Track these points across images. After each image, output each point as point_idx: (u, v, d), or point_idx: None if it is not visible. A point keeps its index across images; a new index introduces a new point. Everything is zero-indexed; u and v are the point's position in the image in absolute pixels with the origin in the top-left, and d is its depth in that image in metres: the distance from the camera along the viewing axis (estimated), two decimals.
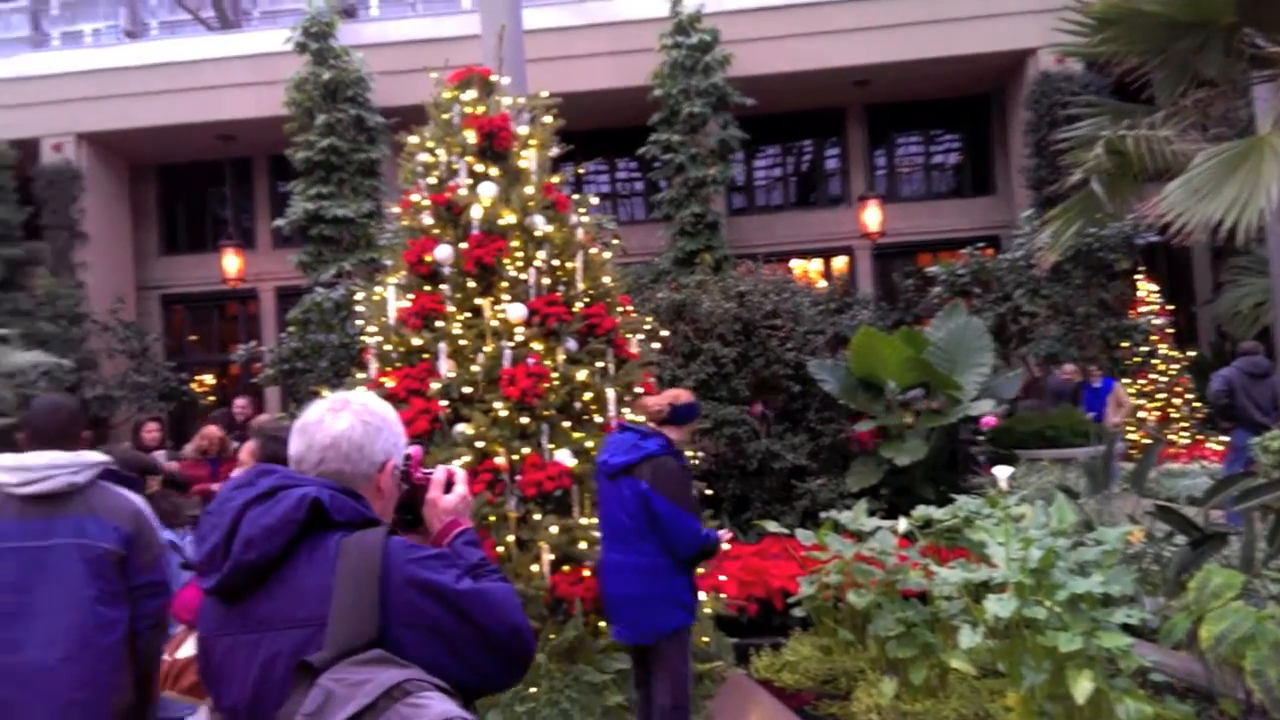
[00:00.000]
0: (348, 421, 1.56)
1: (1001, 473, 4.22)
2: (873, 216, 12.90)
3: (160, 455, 6.35)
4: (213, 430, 7.03)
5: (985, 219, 13.97)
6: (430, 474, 1.68)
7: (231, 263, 13.55)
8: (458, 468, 1.73)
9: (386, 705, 1.20)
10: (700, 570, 4.91)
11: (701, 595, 4.68)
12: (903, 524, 5.01)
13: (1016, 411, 8.53)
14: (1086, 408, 8.93)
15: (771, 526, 5.61)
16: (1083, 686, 3.38)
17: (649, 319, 5.76)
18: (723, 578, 5.24)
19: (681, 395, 3.92)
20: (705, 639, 4.72)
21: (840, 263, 14.77)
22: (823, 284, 12.78)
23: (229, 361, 14.62)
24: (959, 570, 4.15)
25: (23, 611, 2.62)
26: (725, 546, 4.12)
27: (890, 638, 4.45)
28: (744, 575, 5.71)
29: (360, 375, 5.07)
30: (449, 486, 1.67)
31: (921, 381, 7.73)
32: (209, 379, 15.59)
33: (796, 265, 14.14)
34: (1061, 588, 3.61)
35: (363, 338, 5.23)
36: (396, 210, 5.42)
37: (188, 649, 2.75)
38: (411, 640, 1.36)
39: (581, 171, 6.39)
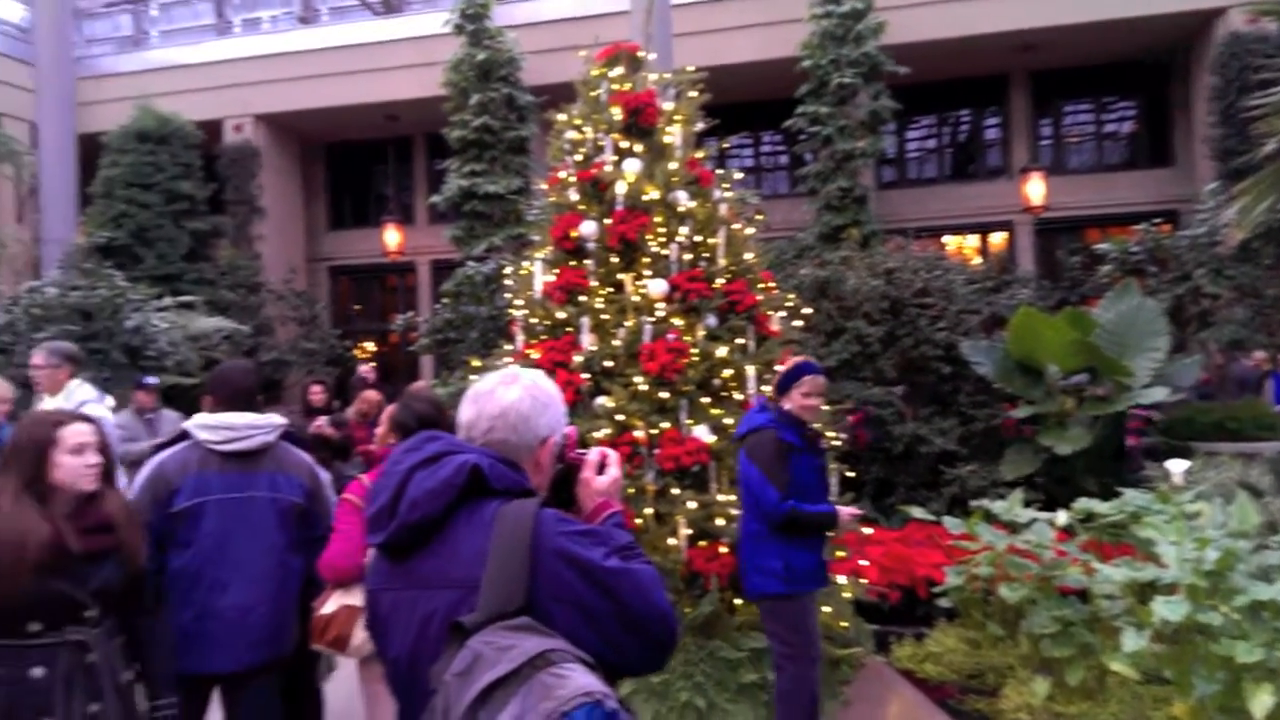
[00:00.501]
0: (517, 394, 1.61)
1: (1176, 467, 3.91)
2: (1036, 189, 12.16)
3: (324, 419, 6.75)
4: (372, 394, 7.43)
5: (1162, 192, 12.92)
6: (585, 454, 1.70)
7: (392, 237, 14.25)
8: (611, 450, 1.74)
9: (530, 673, 1.22)
10: (841, 554, 4.83)
11: (841, 579, 4.59)
12: (1062, 517, 4.73)
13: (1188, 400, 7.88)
14: (1275, 399, 8.15)
15: (917, 512, 5.42)
16: (1262, 701, 3.10)
17: (791, 296, 5.65)
18: (864, 562, 5.11)
19: (787, 361, 3.85)
20: (844, 624, 4.62)
21: (998, 238, 14.04)
22: (978, 261, 12.19)
23: (388, 330, 15.43)
24: (1124, 568, 3.88)
25: (226, 558, 2.85)
26: (866, 530, 3.99)
27: (1045, 635, 4.23)
28: (886, 561, 5.55)
29: (507, 347, 5.22)
30: (602, 468, 1.68)
31: (1087, 366, 7.24)
32: (370, 346, 16.53)
33: (950, 241, 13.55)
34: (1241, 593, 3.32)
35: (510, 310, 5.37)
36: (544, 187, 5.52)
37: (332, 605, 2.97)
38: (558, 612, 1.38)
39: (725, 146, 6.30)
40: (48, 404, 4.71)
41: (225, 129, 14.93)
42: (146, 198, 13.20)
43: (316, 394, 7.59)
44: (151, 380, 6.53)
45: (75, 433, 2.37)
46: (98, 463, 2.39)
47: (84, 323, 8.11)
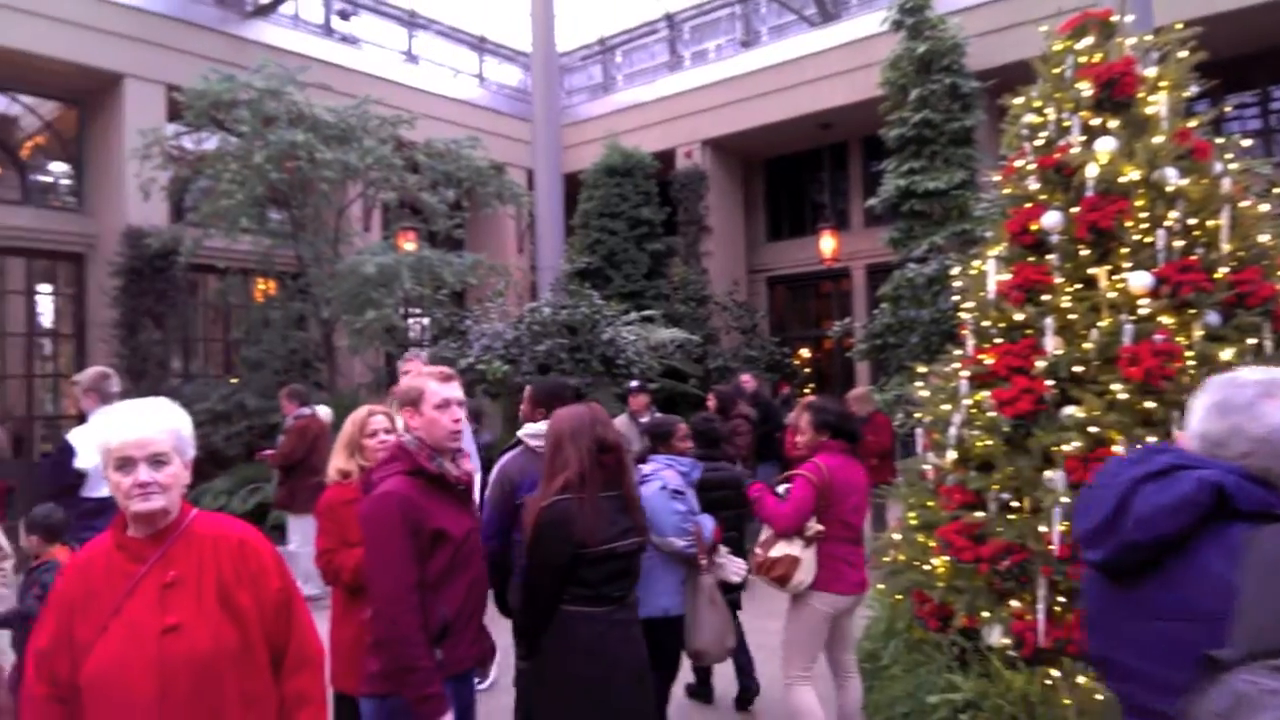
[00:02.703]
0: None
1: None
2: None
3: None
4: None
5: None
6: None
7: (828, 244, 14.43)
8: None
9: None
10: None
11: None
12: None
13: None
14: None
15: None
16: None
17: None
18: None
19: None
20: None
21: None
22: None
23: (823, 336, 15.64)
24: None
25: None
26: None
27: None
28: None
29: (956, 351, 4.93)
30: None
31: None
32: (805, 352, 16.90)
33: None
34: None
35: (958, 313, 5.07)
36: (994, 178, 5.13)
37: (777, 551, 3.83)
38: None
39: (1225, 110, 5.27)
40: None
41: (677, 156, 16.34)
42: (615, 225, 14.98)
43: (749, 382, 7.95)
44: (634, 384, 7.36)
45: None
46: None
47: (570, 336, 9.41)
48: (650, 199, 15.50)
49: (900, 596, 4.38)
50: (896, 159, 12.31)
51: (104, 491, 4.17)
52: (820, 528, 3.83)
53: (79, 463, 4.67)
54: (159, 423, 1.93)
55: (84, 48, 11.52)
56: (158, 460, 1.90)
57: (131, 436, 1.89)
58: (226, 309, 13.91)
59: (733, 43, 16.86)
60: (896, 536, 4.41)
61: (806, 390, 13.71)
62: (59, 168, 13.04)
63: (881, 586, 4.50)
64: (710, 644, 3.86)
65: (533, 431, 3.56)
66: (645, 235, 15.27)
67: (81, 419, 5.27)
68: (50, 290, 13.08)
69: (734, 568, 4.04)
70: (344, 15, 15.30)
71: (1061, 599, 3.66)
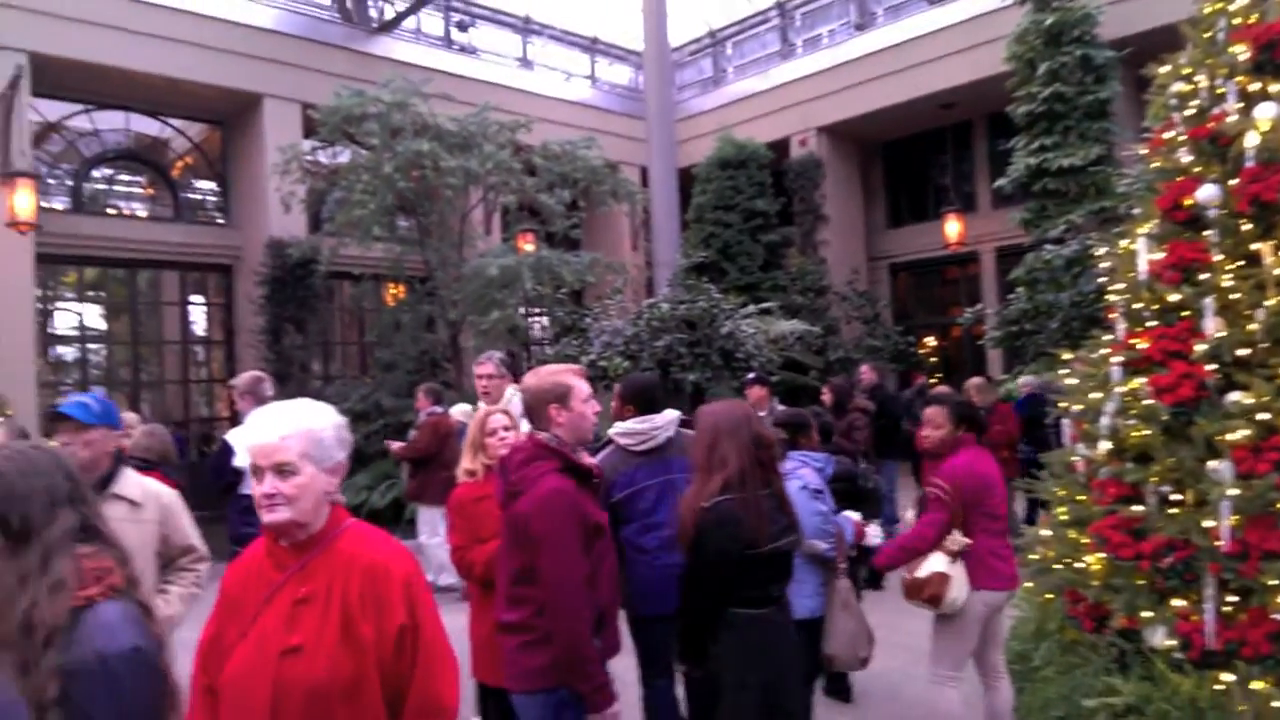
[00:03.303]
0: None
1: None
2: None
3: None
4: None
5: None
6: None
7: (953, 228, 13.93)
8: None
9: None
10: None
11: None
12: None
13: None
14: None
15: None
16: None
17: None
18: None
19: None
20: None
21: None
22: None
23: (951, 324, 15.13)
24: None
25: (657, 521, 3.54)
26: None
27: None
28: None
29: (1105, 336, 4.67)
30: None
31: None
32: (931, 341, 16.37)
33: None
34: None
35: (1105, 296, 4.81)
36: (1139, 152, 4.83)
37: (925, 570, 3.68)
38: None
39: None
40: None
41: (791, 145, 16.10)
42: (729, 218, 14.90)
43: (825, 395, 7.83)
44: (751, 375, 7.32)
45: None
46: None
47: (689, 331, 9.42)
48: (764, 190, 15.36)
49: (1050, 595, 4.19)
50: (1026, 136, 11.74)
51: None
52: (966, 540, 3.69)
53: (236, 461, 5.00)
54: (283, 429, 1.84)
55: (226, 72, 12.27)
56: (283, 470, 1.82)
57: (257, 445, 1.85)
58: (360, 313, 14.59)
59: (846, 26, 16.48)
60: (1045, 533, 4.22)
61: (934, 380, 13.27)
62: (206, 185, 13.96)
63: (1030, 585, 4.32)
64: (842, 649, 3.78)
65: (624, 430, 3.59)
66: (760, 227, 15.14)
67: (235, 420, 5.62)
68: (201, 300, 14.05)
69: (873, 532, 4.20)
70: (462, 27, 15.77)
71: (1233, 598, 3.42)
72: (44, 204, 10.62)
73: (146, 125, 13.16)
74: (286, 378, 11.94)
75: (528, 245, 12.53)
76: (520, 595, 2.56)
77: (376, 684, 1.77)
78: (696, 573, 2.66)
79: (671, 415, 3.73)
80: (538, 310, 14.07)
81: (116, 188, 13.34)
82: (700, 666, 2.71)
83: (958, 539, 3.69)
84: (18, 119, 10.37)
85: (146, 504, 2.95)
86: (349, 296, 14.26)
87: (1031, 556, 4.24)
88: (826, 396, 7.84)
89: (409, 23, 14.82)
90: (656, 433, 3.61)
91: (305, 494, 1.82)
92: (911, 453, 7.30)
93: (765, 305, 11.93)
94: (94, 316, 13.40)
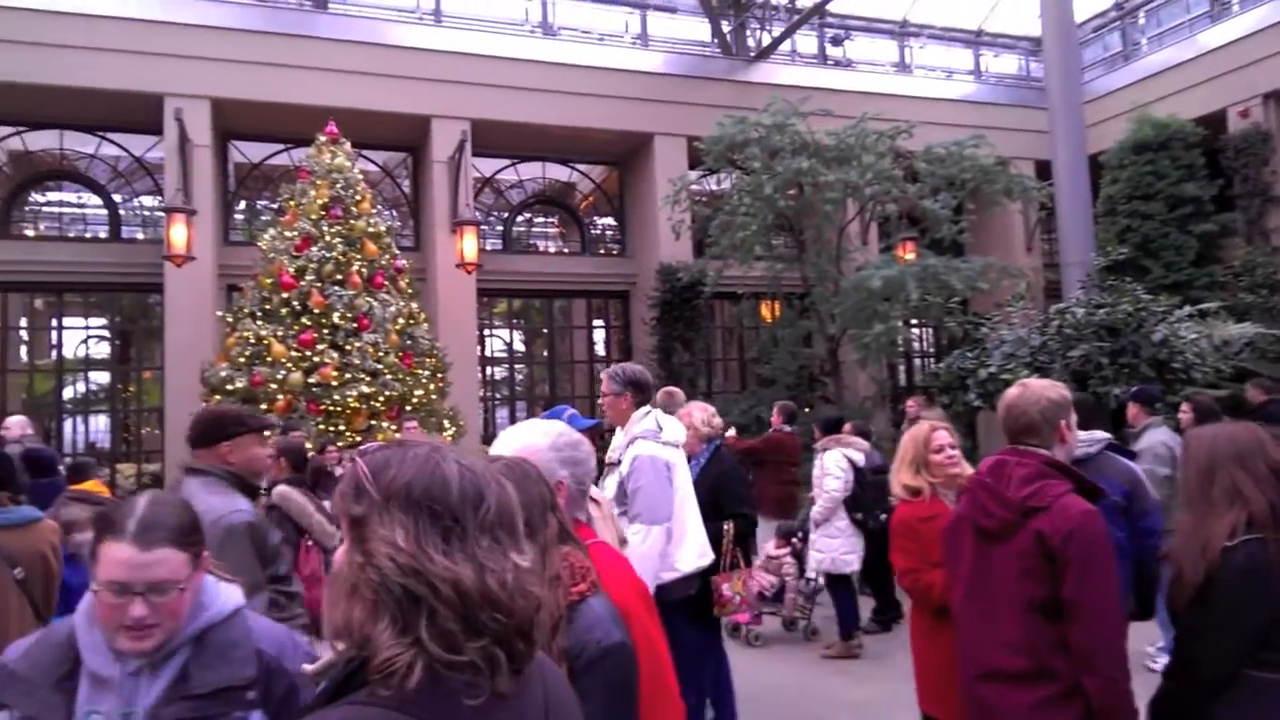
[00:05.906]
0: None
1: None
2: None
3: None
4: None
5: None
6: None
7: None
8: None
9: None
10: None
11: None
12: None
13: None
14: None
15: None
16: None
17: None
18: None
19: None
20: None
21: None
22: None
23: None
24: None
25: None
26: None
27: None
28: None
29: None
30: None
31: None
32: None
33: None
34: None
35: None
36: None
37: None
38: None
39: None
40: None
41: (1229, 118, 13.69)
42: (1148, 208, 13.04)
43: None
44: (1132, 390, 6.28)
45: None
46: None
47: (1110, 339, 8.29)
48: (1194, 173, 13.24)
49: None
50: None
51: None
52: None
53: None
54: None
55: (623, 117, 13.34)
56: None
57: None
58: (740, 330, 15.06)
59: None
60: None
61: None
62: (606, 221, 15.33)
63: None
64: None
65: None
66: (1190, 215, 13.06)
67: None
68: (602, 324, 15.46)
69: None
70: (836, 41, 15.65)
71: None
72: (483, 246, 12.36)
73: (557, 172, 14.79)
74: None
75: (908, 254, 12.00)
76: (1035, 634, 2.26)
77: None
78: (1214, 628, 2.17)
79: (1100, 436, 3.47)
80: (914, 322, 13.44)
81: (535, 228, 15.19)
82: None
83: None
84: (464, 177, 12.18)
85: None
86: (730, 315, 14.76)
87: None
88: (1186, 415, 6.16)
89: (784, 46, 15.03)
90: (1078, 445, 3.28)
91: None
92: None
93: (1204, 306, 10.18)
94: (517, 340, 15.38)
